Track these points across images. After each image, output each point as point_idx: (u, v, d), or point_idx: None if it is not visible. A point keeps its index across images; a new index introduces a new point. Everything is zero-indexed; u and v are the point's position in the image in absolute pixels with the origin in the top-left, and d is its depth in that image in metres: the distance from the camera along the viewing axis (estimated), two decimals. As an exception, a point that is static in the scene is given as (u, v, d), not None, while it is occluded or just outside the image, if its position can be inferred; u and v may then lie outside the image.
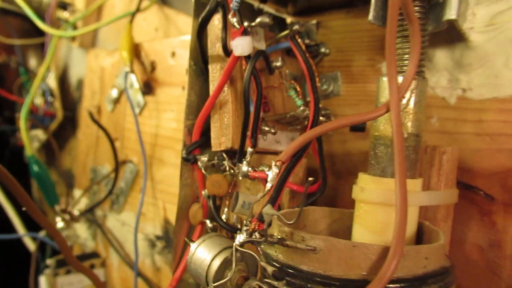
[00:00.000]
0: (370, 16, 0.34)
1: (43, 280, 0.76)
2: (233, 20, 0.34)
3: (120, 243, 0.78)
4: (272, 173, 0.28)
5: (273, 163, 0.28)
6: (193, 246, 0.30)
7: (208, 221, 0.40)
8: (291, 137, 0.44)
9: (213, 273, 0.28)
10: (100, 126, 0.73)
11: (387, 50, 0.27)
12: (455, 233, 0.36)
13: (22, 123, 0.78)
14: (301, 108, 0.39)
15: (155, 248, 0.69)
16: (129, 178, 0.75)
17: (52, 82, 1.02)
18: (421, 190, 0.31)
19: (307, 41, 0.45)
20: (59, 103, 1.00)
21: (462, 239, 0.36)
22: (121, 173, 0.76)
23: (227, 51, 0.36)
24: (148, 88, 0.70)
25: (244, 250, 0.26)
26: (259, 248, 0.26)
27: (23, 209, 0.40)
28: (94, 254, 0.81)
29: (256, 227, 0.26)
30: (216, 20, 0.38)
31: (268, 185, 0.28)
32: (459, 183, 0.36)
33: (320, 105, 0.44)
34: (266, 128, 0.37)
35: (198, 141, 0.41)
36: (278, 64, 0.39)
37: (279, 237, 0.26)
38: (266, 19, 0.38)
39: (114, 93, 0.79)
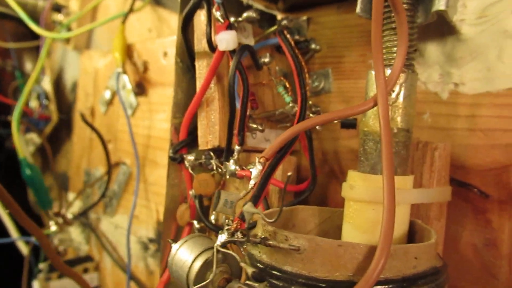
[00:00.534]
0: (358, 8, 0.33)
1: (36, 285, 0.75)
2: (217, 14, 0.33)
3: (114, 246, 0.77)
4: (255, 171, 0.27)
5: (257, 160, 0.27)
6: (174, 247, 0.29)
7: (195, 222, 0.39)
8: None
9: (194, 275, 0.26)
10: (92, 128, 0.72)
11: (373, 42, 0.26)
12: (449, 231, 0.35)
13: (14, 126, 0.77)
14: (290, 105, 0.38)
15: (148, 251, 0.68)
16: (122, 181, 0.74)
17: (47, 85, 1.02)
18: (412, 187, 0.30)
19: (296, 37, 0.44)
20: (54, 106, 0.99)
21: (456, 238, 0.35)
22: (114, 175, 0.75)
23: (212, 47, 0.35)
24: (140, 88, 0.70)
25: (225, 251, 0.25)
26: (242, 249, 0.25)
27: (7, 211, 0.39)
28: (88, 258, 0.80)
29: (238, 226, 0.25)
30: (202, 15, 0.37)
31: (251, 183, 0.27)
32: (452, 180, 0.35)
33: (311, 102, 0.43)
34: (254, 126, 0.36)
35: (185, 140, 0.40)
36: (266, 60, 0.38)
37: (262, 236, 0.25)
38: (253, 14, 0.37)
39: (107, 94, 0.78)
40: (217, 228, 0.34)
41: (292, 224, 0.34)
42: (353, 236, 0.30)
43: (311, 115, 0.40)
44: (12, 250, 0.85)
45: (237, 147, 0.36)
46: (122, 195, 0.74)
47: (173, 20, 0.71)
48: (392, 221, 0.23)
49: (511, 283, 0.32)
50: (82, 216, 0.81)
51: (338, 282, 0.23)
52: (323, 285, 0.23)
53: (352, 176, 0.31)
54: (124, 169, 0.73)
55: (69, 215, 0.81)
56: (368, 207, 0.29)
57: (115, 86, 0.71)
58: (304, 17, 0.46)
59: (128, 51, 0.71)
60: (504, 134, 0.33)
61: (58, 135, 1.01)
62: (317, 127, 0.41)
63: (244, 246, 0.25)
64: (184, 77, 0.42)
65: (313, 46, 0.44)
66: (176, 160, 0.39)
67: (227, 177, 0.36)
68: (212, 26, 0.35)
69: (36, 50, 1.18)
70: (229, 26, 0.34)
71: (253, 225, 0.29)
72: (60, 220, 0.78)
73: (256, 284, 0.23)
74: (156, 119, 0.66)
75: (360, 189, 0.29)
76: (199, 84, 0.39)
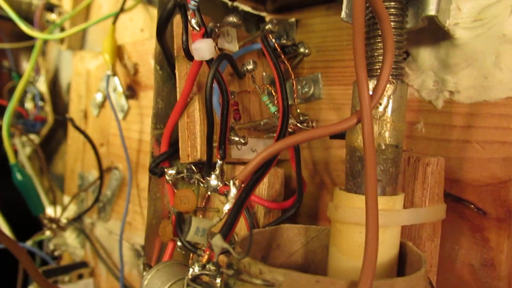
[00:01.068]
0: (343, 13, 0.30)
1: (30, 292, 0.74)
2: (193, 21, 0.31)
3: (108, 252, 0.75)
4: (230, 194, 0.25)
5: (231, 182, 0.25)
6: (146, 275, 0.27)
7: (177, 240, 0.37)
8: (268, 145, 0.41)
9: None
10: (82, 132, 0.71)
11: (355, 53, 0.24)
12: (445, 251, 0.33)
13: (4, 130, 0.75)
14: (275, 114, 0.36)
15: (141, 258, 0.66)
16: (115, 186, 0.72)
17: (42, 86, 1.00)
18: (402, 207, 0.28)
19: (283, 41, 0.42)
20: (49, 107, 0.98)
21: (452, 258, 0.33)
22: (107, 180, 0.74)
23: (190, 55, 0.33)
24: (131, 91, 0.68)
25: (195, 286, 0.23)
26: (212, 280, 0.23)
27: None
28: (83, 264, 0.79)
29: (210, 258, 0.23)
30: (180, 22, 0.35)
31: (226, 208, 0.25)
32: (448, 195, 0.33)
33: (299, 110, 0.41)
34: (235, 139, 0.34)
35: (166, 152, 0.38)
36: (249, 67, 0.36)
37: (237, 268, 0.23)
38: (234, 19, 0.34)
39: (99, 97, 0.77)
40: (195, 249, 0.32)
41: (276, 244, 0.32)
42: (338, 261, 0.28)
43: (298, 124, 0.38)
44: (8, 256, 0.84)
45: (218, 161, 0.34)
46: (115, 200, 0.73)
47: (165, 19, 0.69)
48: (375, 255, 0.21)
49: (511, 306, 0.30)
50: (76, 221, 0.80)
51: (315, 322, 0.21)
52: (299, 325, 0.21)
53: (337, 195, 0.29)
54: (117, 174, 0.71)
55: (64, 220, 0.80)
56: (354, 229, 0.27)
57: (106, 88, 0.70)
58: (293, 19, 0.44)
59: (118, 53, 0.69)
60: (502, 146, 0.30)
61: (55, 137, 1.00)
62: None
63: (217, 280, 0.23)
64: (165, 86, 0.40)
65: (301, 50, 0.42)
66: (156, 174, 0.37)
67: (208, 193, 0.34)
68: (189, 33, 0.33)
69: (32, 50, 1.16)
70: (206, 34, 0.31)
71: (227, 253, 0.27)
72: (54, 225, 0.77)
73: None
74: (147, 123, 0.64)
75: (344, 210, 0.27)
76: (179, 93, 0.37)
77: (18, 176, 0.74)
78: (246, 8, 0.46)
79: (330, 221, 0.29)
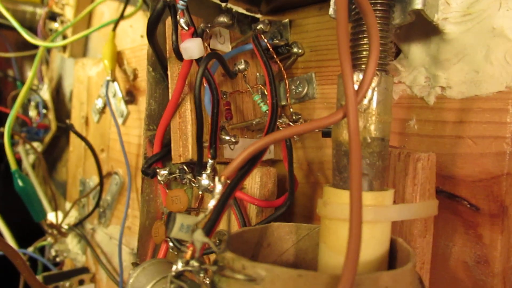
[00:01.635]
0: (331, 10, 0.30)
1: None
2: (181, 21, 0.31)
3: (108, 257, 0.75)
4: (216, 190, 0.25)
5: (217, 179, 0.25)
6: (132, 273, 0.27)
7: (169, 240, 0.37)
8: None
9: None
10: (81, 138, 0.71)
11: (339, 46, 0.24)
12: (439, 248, 0.32)
13: (6, 136, 0.76)
14: (267, 113, 0.36)
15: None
16: (115, 191, 0.72)
17: (45, 94, 1.01)
18: (392, 202, 0.28)
19: (276, 41, 0.42)
20: (52, 115, 0.99)
21: (446, 255, 0.32)
22: (108, 185, 0.74)
23: (180, 55, 0.33)
24: (131, 96, 0.68)
25: (179, 282, 0.23)
26: (196, 276, 0.23)
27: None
28: (84, 269, 0.79)
29: (193, 254, 0.23)
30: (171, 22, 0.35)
31: (211, 204, 0.25)
32: (441, 192, 0.32)
33: (292, 110, 0.41)
34: (226, 138, 0.34)
35: (159, 153, 0.38)
36: (241, 66, 0.36)
37: (221, 264, 0.23)
38: (225, 19, 0.35)
39: (99, 103, 0.77)
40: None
41: (267, 243, 0.32)
42: (328, 257, 0.28)
43: (291, 124, 0.38)
44: (10, 262, 0.84)
45: (210, 161, 0.34)
46: (115, 205, 0.73)
47: (164, 25, 0.69)
48: (358, 245, 0.21)
49: (506, 304, 0.29)
50: (77, 227, 0.80)
51: (298, 317, 0.21)
52: (282, 320, 0.21)
53: (326, 191, 0.28)
54: (117, 179, 0.72)
55: (65, 226, 0.80)
56: (342, 225, 0.27)
57: (105, 94, 0.70)
58: (286, 20, 0.44)
59: (118, 59, 0.69)
60: (495, 141, 0.30)
61: (59, 144, 1.01)
62: (294, 137, 0.39)
63: (201, 275, 0.23)
64: (157, 87, 0.40)
65: (295, 50, 0.42)
66: (148, 174, 0.37)
67: (200, 193, 0.34)
68: (179, 33, 0.33)
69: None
70: (195, 33, 0.31)
71: (210, 251, 0.27)
72: (55, 232, 0.77)
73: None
74: (146, 127, 0.65)
75: (332, 206, 0.27)
76: (171, 94, 0.37)
77: (19, 183, 0.74)
78: (240, 9, 0.46)
79: (323, 219, 0.29)
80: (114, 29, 0.71)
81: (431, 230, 0.30)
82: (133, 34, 0.77)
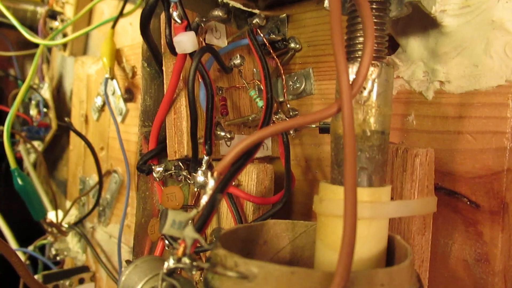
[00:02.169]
0: (326, 2, 0.30)
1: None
2: (174, 14, 0.30)
3: (108, 256, 0.75)
4: (208, 185, 0.24)
5: (209, 174, 0.24)
6: (124, 271, 0.26)
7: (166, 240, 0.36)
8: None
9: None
10: (81, 136, 0.71)
11: (333, 37, 0.23)
12: (438, 246, 0.32)
13: (5, 134, 0.76)
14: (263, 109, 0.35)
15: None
16: (114, 189, 0.72)
17: (46, 92, 1.01)
18: (389, 199, 0.27)
19: (273, 36, 0.41)
20: (53, 114, 0.98)
21: (445, 253, 0.31)
22: (107, 183, 0.73)
23: (174, 49, 0.33)
24: (130, 94, 0.68)
25: (171, 280, 0.22)
26: (188, 273, 0.23)
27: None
28: (84, 268, 0.78)
29: (185, 251, 0.22)
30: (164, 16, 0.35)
31: (203, 200, 0.24)
32: (440, 188, 0.31)
33: (289, 106, 0.40)
34: (221, 134, 0.34)
35: (154, 150, 0.38)
36: (237, 61, 0.36)
37: (213, 261, 0.23)
38: (220, 13, 0.34)
39: (99, 101, 0.77)
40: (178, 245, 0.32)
41: (263, 240, 0.31)
42: (324, 254, 0.27)
43: (288, 119, 0.38)
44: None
45: (205, 157, 0.33)
46: (115, 204, 0.72)
47: (164, 22, 0.69)
48: (352, 242, 0.20)
49: (507, 303, 0.29)
50: (77, 226, 0.80)
51: (291, 315, 0.20)
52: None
53: (322, 187, 0.28)
54: (116, 177, 0.71)
55: (65, 225, 0.79)
56: (338, 222, 0.26)
57: (104, 92, 0.70)
58: (284, 15, 0.43)
59: (117, 56, 0.69)
60: (494, 136, 0.29)
61: (59, 143, 1.01)
62: (290, 132, 0.38)
63: (193, 272, 0.22)
64: (152, 83, 0.39)
65: (292, 45, 0.42)
66: (143, 171, 0.37)
67: (195, 189, 0.33)
68: (172, 27, 0.32)
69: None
70: (188, 27, 0.31)
71: (204, 249, 0.26)
72: (55, 230, 0.77)
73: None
74: (145, 125, 0.64)
75: (328, 202, 0.26)
76: (166, 90, 0.36)
77: (19, 181, 0.74)
78: (237, 5, 0.45)
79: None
80: (113, 27, 0.71)
81: (430, 227, 0.29)
82: (133, 32, 0.77)
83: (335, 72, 0.39)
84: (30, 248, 0.79)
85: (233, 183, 0.36)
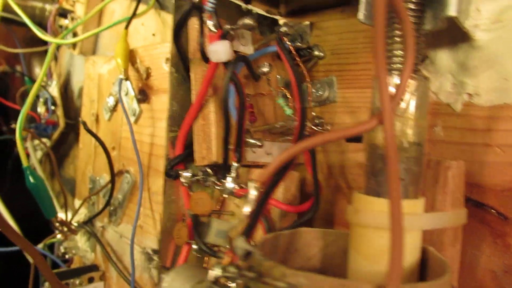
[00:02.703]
0: (361, 15, 0.30)
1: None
2: (210, 23, 0.31)
3: (119, 256, 0.75)
4: (250, 196, 0.25)
5: (250, 185, 0.25)
6: (166, 277, 0.27)
7: (193, 243, 0.37)
8: (284, 148, 0.41)
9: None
10: (94, 136, 0.71)
11: (376, 52, 0.24)
12: (466, 257, 0.32)
13: (17, 133, 0.76)
14: (291, 117, 0.36)
15: (153, 262, 0.66)
16: (126, 189, 0.72)
17: (54, 90, 1.01)
18: (423, 211, 0.28)
19: (298, 44, 0.41)
20: (61, 112, 0.99)
21: (473, 264, 0.32)
22: (119, 183, 0.74)
23: (206, 57, 0.33)
24: (143, 95, 0.68)
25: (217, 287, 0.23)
26: (231, 283, 0.23)
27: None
28: (94, 267, 0.79)
29: (231, 260, 0.23)
30: (196, 24, 0.35)
31: (246, 210, 0.24)
32: (468, 200, 0.32)
33: (314, 114, 0.41)
34: (252, 141, 0.34)
35: (181, 155, 0.38)
36: (265, 69, 0.36)
37: (257, 271, 0.23)
38: (250, 21, 0.34)
39: (111, 101, 0.77)
40: (213, 252, 0.32)
41: (294, 248, 0.31)
42: (359, 265, 0.27)
43: (313, 127, 0.38)
44: (20, 259, 0.84)
45: (234, 164, 0.34)
46: (127, 204, 0.73)
47: (177, 24, 0.69)
48: (401, 258, 0.21)
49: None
50: (87, 225, 0.80)
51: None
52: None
53: (357, 198, 0.28)
54: (128, 177, 0.71)
55: (74, 223, 0.80)
56: (374, 233, 0.27)
57: (118, 92, 0.70)
58: (307, 22, 0.43)
59: (131, 57, 0.69)
60: (524, 150, 0.30)
61: (66, 141, 1.01)
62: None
63: (238, 281, 0.23)
64: (180, 88, 0.40)
65: (316, 53, 0.42)
66: (171, 176, 0.37)
67: (225, 196, 0.34)
68: (205, 35, 0.33)
69: (45, 55, 1.17)
70: (223, 36, 0.31)
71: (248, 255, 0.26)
72: (65, 229, 0.77)
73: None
74: (159, 127, 0.64)
75: (366, 214, 0.27)
76: (194, 95, 0.37)
77: (31, 179, 0.74)
78: (260, 11, 0.46)
79: (345, 225, 0.28)
80: (126, 27, 0.71)
81: (460, 238, 0.30)
82: (145, 32, 0.77)
83: (359, 80, 0.40)
84: (40, 246, 0.80)
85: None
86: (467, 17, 0.30)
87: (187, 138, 0.38)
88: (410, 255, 0.27)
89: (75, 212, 0.81)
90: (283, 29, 0.37)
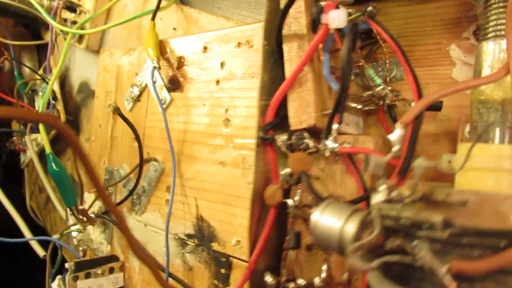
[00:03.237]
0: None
1: (55, 285, 0.72)
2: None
3: (142, 244, 0.75)
4: (395, 136, 0.28)
5: (396, 125, 0.28)
6: (316, 212, 0.29)
7: (289, 200, 0.39)
8: (356, 121, 0.44)
9: (350, 237, 0.26)
10: (128, 123, 0.71)
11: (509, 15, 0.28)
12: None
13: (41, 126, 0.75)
14: (381, 87, 0.39)
15: (186, 247, 0.67)
16: (153, 177, 0.73)
17: (54, 84, 0.99)
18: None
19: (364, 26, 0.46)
20: (61, 106, 0.97)
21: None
22: (143, 172, 0.74)
23: (315, 27, 0.36)
24: (174, 84, 0.69)
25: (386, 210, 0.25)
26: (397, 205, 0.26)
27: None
28: (113, 257, 0.78)
29: (397, 184, 0.26)
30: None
31: (395, 148, 0.28)
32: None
33: (390, 88, 0.45)
34: (353, 105, 0.38)
35: (273, 121, 0.41)
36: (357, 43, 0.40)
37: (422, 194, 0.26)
38: (348, -3, 0.38)
39: (135, 91, 0.77)
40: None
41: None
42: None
43: (394, 99, 0.42)
44: (26, 251, 0.81)
45: (335, 126, 0.37)
46: (153, 192, 0.73)
47: (202, 18, 0.72)
48: None
49: None
50: (105, 215, 0.79)
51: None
52: (494, 236, 0.24)
53: (463, 147, 0.32)
54: (156, 165, 0.72)
55: (91, 214, 0.79)
56: (488, 175, 0.30)
57: (144, 82, 0.72)
58: (372, 6, 0.48)
59: (160, 47, 0.71)
60: None
61: (63, 137, 0.99)
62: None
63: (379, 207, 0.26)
64: (268, 61, 0.42)
65: (383, 35, 0.46)
66: (268, 140, 0.40)
67: (326, 154, 0.37)
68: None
69: (35, 50, 1.16)
70: (338, 5, 0.35)
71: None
72: (84, 218, 0.76)
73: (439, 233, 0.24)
74: (194, 114, 0.66)
75: (480, 158, 0.31)
76: (288, 66, 0.40)
77: (53, 166, 0.73)
78: None
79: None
80: (153, 19, 0.73)
81: None
82: (163, 27, 0.79)
83: (427, 60, 0.45)
84: (56, 236, 0.78)
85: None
86: None
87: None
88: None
89: (92, 203, 0.80)
90: (370, 9, 0.41)
